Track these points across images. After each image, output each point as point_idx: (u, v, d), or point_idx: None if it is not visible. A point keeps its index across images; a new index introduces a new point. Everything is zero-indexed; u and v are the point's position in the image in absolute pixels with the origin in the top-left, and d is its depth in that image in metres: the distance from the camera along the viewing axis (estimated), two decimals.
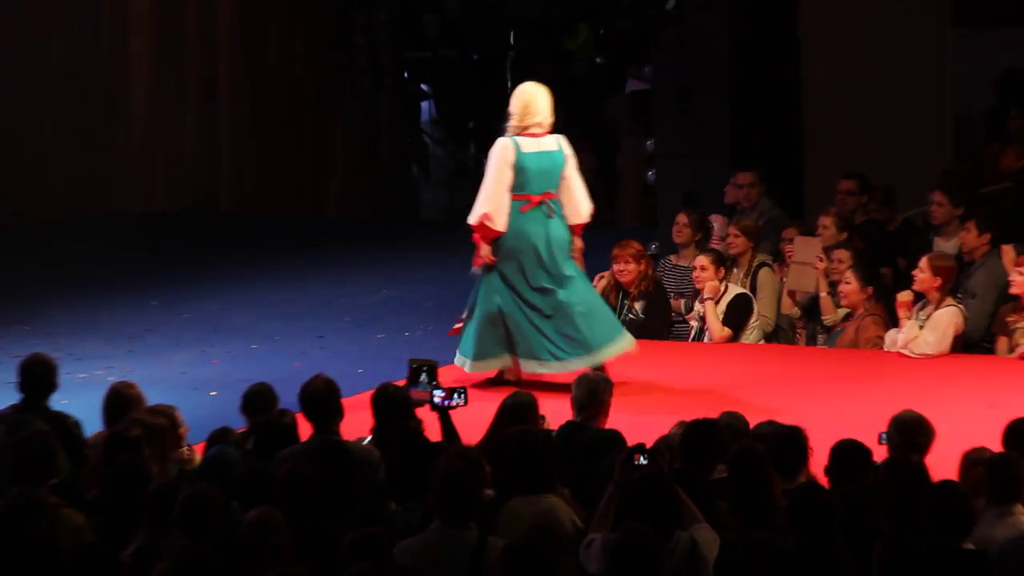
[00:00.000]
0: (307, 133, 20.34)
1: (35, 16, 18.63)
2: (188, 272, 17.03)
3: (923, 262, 13.42)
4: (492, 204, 13.00)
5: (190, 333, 15.38)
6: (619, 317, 13.99)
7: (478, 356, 13.06)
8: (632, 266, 14.13)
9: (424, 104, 23.28)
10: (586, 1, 24.76)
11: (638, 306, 14.18)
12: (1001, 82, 18.03)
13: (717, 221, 14.92)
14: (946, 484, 8.72)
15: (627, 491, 8.85)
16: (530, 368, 12.98)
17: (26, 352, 11.50)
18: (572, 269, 13.06)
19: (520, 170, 12.99)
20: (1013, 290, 13.28)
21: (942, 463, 9.50)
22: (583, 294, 13.07)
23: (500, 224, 12.99)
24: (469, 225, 13.13)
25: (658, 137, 16.68)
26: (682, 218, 14.76)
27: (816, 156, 16.93)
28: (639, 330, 13.97)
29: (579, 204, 13.13)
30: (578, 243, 13.18)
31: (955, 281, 13.55)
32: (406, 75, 22.38)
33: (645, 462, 9.02)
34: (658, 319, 14.23)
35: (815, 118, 16.99)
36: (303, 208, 20.34)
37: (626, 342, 13.03)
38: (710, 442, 9.46)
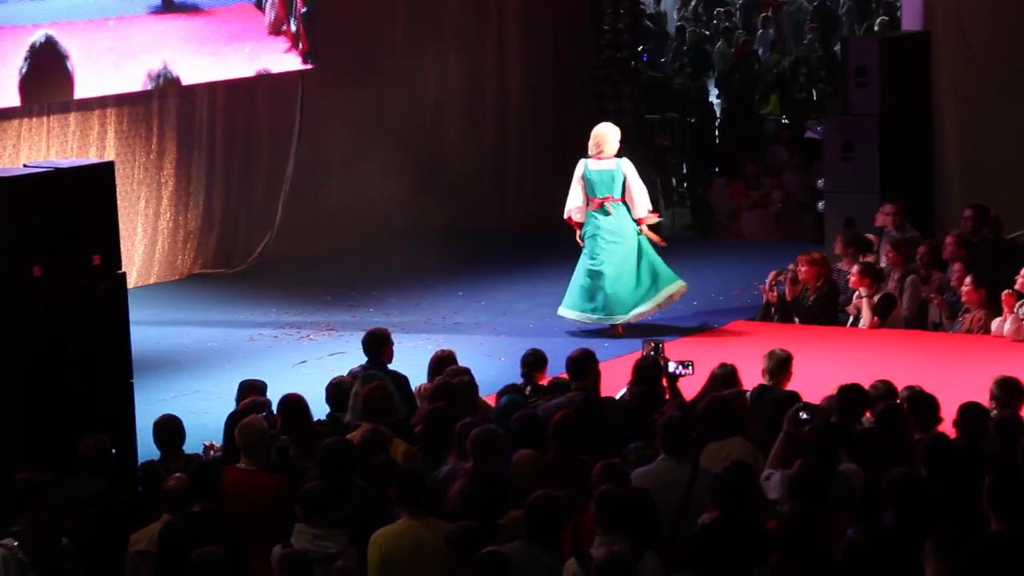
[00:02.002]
0: (572, 172, 20.29)
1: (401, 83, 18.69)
2: (485, 272, 17.05)
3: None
4: (572, 205, 14.28)
5: (485, 315, 15.41)
6: (799, 304, 13.97)
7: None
8: (805, 268, 13.96)
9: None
10: (775, 79, 24.62)
11: (812, 298, 14.01)
12: None
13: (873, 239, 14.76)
14: None
15: (795, 438, 8.78)
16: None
17: (370, 327, 11.66)
18: (637, 250, 14.15)
19: (587, 182, 14.10)
20: None
21: None
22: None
23: (578, 217, 14.26)
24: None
25: (827, 177, 16.46)
26: (840, 236, 14.62)
27: (943, 192, 16.69)
28: (807, 316, 13.91)
29: (638, 204, 14.15)
30: (644, 228, 14.26)
31: None
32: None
33: (808, 417, 8.95)
34: (825, 312, 14.01)
35: (944, 164, 16.76)
36: (568, 227, 20.28)
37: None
38: (857, 401, 9.35)
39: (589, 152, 14.29)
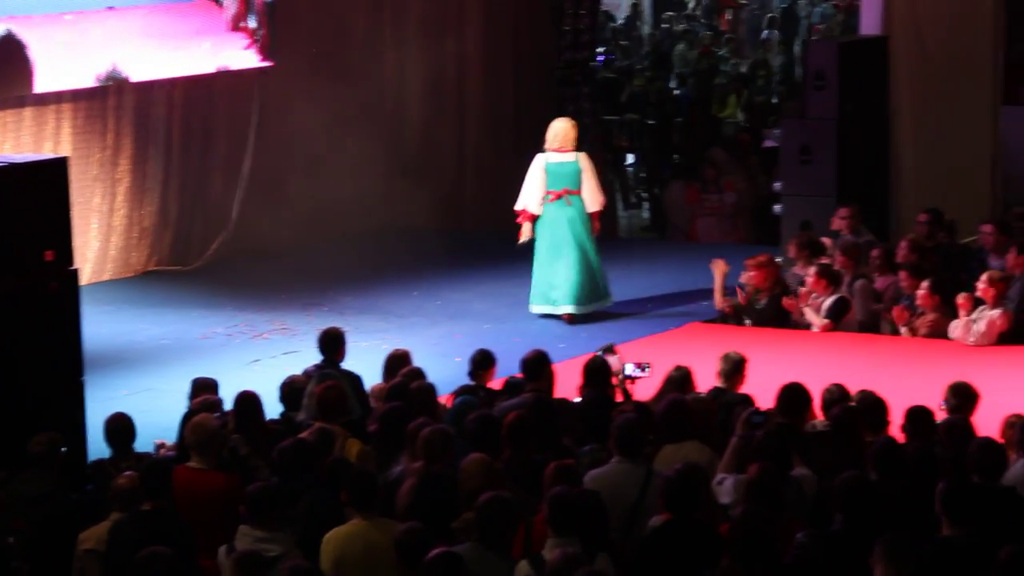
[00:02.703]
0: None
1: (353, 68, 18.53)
2: (441, 271, 16.97)
3: (984, 277, 13.15)
4: (529, 197, 14.60)
5: (441, 315, 15.36)
6: (751, 307, 13.95)
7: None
8: (753, 273, 13.94)
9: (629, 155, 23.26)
10: (735, 80, 24.70)
11: (763, 301, 14.00)
12: None
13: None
14: (985, 439, 8.59)
15: (748, 442, 8.78)
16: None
17: (325, 326, 11.62)
18: (578, 242, 14.54)
19: (548, 174, 14.48)
20: None
21: (987, 424, 9.35)
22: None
23: (535, 209, 14.55)
24: (514, 210, 14.78)
25: (783, 180, 16.50)
26: (794, 239, 14.60)
27: (900, 196, 16.75)
28: (760, 319, 13.91)
29: (590, 200, 14.58)
30: (595, 224, 14.73)
31: (1005, 292, 13.25)
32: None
33: (760, 421, 8.96)
34: (778, 314, 13.90)
35: (900, 168, 16.82)
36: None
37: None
38: (799, 399, 9.37)
39: (548, 146, 14.65)
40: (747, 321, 14.04)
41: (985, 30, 17.56)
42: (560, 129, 14.67)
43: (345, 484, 8.19)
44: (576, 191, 14.61)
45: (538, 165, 14.63)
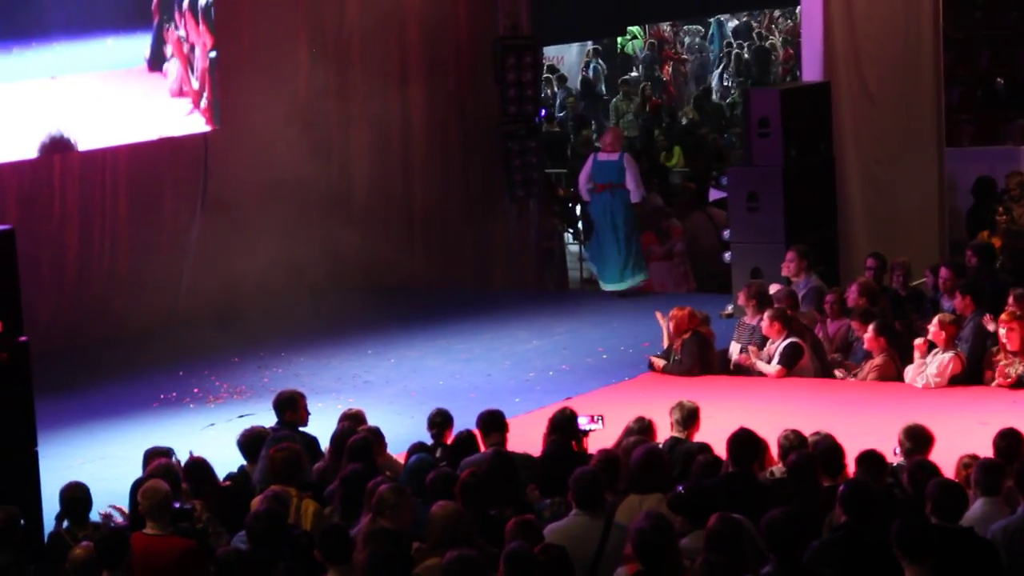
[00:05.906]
0: (478, 227, 20.36)
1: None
2: (394, 329, 16.97)
3: (936, 321, 13.17)
4: (580, 186, 17.86)
5: (396, 373, 15.33)
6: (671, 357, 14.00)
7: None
8: (672, 323, 14.00)
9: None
10: (681, 130, 24.85)
11: (678, 352, 14.01)
12: (977, 185, 18.09)
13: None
14: (944, 479, 8.61)
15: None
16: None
17: (280, 388, 11.58)
18: (617, 229, 17.47)
19: (595, 170, 17.53)
20: (1001, 338, 13.06)
21: (943, 465, 9.38)
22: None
23: (586, 196, 17.83)
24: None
25: (732, 228, 16.56)
26: (744, 288, 14.56)
27: (849, 240, 16.84)
28: (676, 369, 13.88)
29: (633, 191, 17.48)
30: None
31: (957, 335, 13.31)
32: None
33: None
34: (697, 363, 13.93)
35: (848, 212, 16.92)
36: (476, 282, 20.34)
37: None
38: (748, 446, 9.36)
39: (601, 147, 17.95)
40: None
41: (926, 73, 17.76)
42: (611, 132, 18.26)
43: (318, 541, 8.16)
44: (620, 185, 17.34)
45: (589, 162, 17.69)
